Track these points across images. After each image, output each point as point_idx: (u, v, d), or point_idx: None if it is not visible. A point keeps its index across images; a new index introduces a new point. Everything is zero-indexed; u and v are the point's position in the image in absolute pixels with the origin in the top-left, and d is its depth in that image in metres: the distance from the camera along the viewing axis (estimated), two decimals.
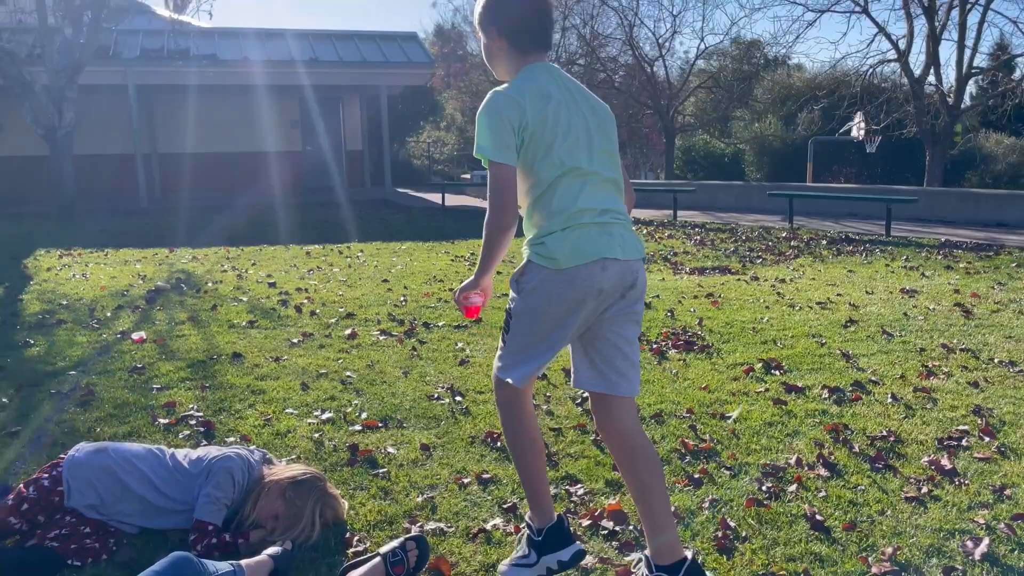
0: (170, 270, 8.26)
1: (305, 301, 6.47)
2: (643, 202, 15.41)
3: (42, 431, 3.54)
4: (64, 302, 6.45)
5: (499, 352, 2.24)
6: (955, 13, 14.96)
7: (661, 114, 23.12)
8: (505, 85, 2.15)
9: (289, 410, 3.82)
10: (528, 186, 2.14)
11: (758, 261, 9.01)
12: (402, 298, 6.61)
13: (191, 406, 3.85)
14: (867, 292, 6.73)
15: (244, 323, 5.70)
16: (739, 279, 7.63)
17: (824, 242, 10.15)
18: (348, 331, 5.47)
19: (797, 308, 6.09)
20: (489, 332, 5.42)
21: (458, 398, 3.99)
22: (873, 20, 16.51)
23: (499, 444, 3.37)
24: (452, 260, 8.96)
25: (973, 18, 15.25)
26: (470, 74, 26.47)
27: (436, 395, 4.02)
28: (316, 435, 3.47)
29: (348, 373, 4.44)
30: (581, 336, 2.20)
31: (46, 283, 7.39)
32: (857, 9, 15.49)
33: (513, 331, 2.19)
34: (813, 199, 12.49)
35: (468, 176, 18.88)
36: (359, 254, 9.57)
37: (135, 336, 5.24)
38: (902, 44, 15.69)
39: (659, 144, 37.72)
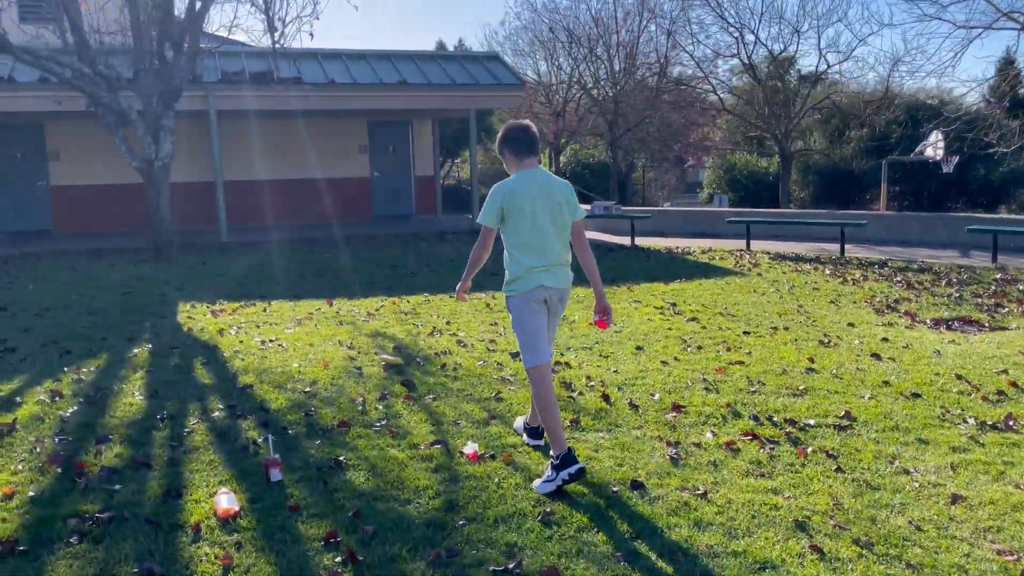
0: (359, 332, 7.14)
1: (597, 384, 5.37)
2: (782, 234, 14.34)
3: None
4: (305, 388, 5.33)
5: (523, 357, 3.82)
6: None
7: (777, 139, 22.10)
8: (505, 180, 3.86)
9: None
10: (505, 244, 3.86)
11: (1003, 310, 7.97)
12: (700, 377, 5.52)
13: None
14: None
15: (565, 423, 4.60)
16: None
17: None
18: (708, 434, 4.39)
19: None
20: (896, 436, 4.34)
21: None
22: None
23: None
24: (665, 313, 7.87)
25: None
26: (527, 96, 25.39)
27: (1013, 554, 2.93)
28: None
29: (830, 522, 3.34)
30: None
31: (247, 357, 6.26)
32: (1018, 27, 14.53)
33: (517, 335, 3.87)
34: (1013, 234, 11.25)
35: (588, 207, 17.70)
36: None
37: (468, 451, 4.13)
38: None
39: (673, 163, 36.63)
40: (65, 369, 5.93)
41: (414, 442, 4.32)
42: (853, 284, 9.56)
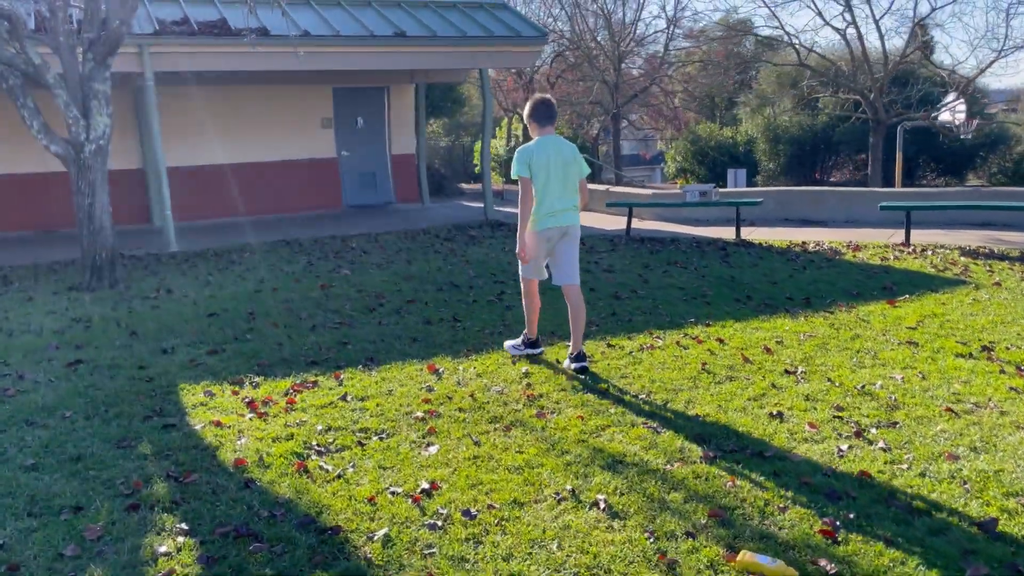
0: (564, 454, 3.83)
1: None
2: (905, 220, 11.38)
3: None
4: None
5: (520, 268, 5.37)
6: None
7: (868, 101, 19.13)
8: (528, 143, 5.15)
9: None
10: (532, 194, 5.12)
11: None
12: None
13: None
14: None
15: None
16: None
17: None
18: None
19: None
20: None
21: None
22: None
23: None
24: (994, 362, 4.85)
25: None
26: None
27: None
28: None
29: None
30: (548, 256, 5.30)
31: (429, 572, 2.89)
32: None
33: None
34: None
35: (678, 190, 14.40)
36: (795, 366, 5.32)
37: None
38: None
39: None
40: None
41: None
42: None
